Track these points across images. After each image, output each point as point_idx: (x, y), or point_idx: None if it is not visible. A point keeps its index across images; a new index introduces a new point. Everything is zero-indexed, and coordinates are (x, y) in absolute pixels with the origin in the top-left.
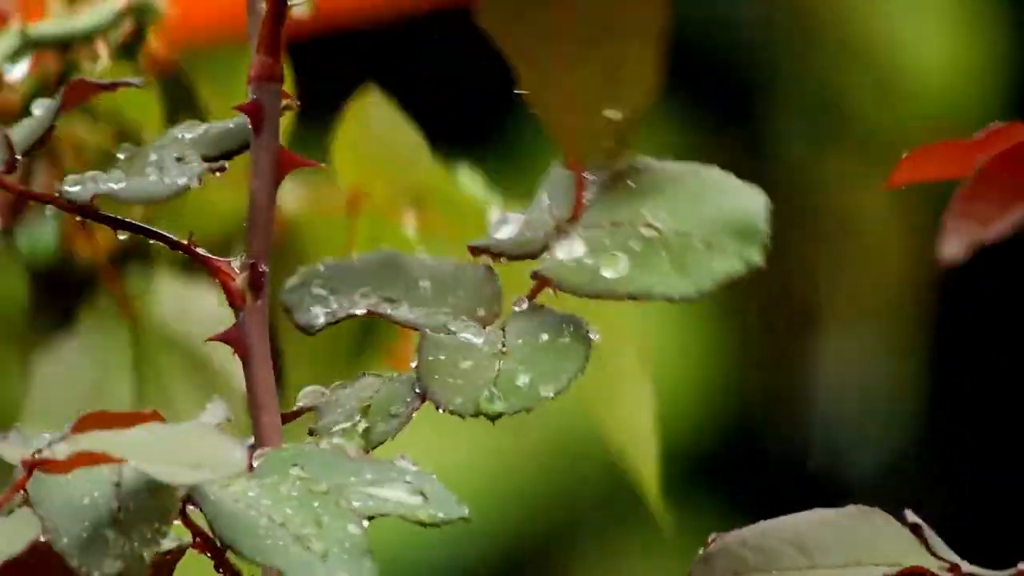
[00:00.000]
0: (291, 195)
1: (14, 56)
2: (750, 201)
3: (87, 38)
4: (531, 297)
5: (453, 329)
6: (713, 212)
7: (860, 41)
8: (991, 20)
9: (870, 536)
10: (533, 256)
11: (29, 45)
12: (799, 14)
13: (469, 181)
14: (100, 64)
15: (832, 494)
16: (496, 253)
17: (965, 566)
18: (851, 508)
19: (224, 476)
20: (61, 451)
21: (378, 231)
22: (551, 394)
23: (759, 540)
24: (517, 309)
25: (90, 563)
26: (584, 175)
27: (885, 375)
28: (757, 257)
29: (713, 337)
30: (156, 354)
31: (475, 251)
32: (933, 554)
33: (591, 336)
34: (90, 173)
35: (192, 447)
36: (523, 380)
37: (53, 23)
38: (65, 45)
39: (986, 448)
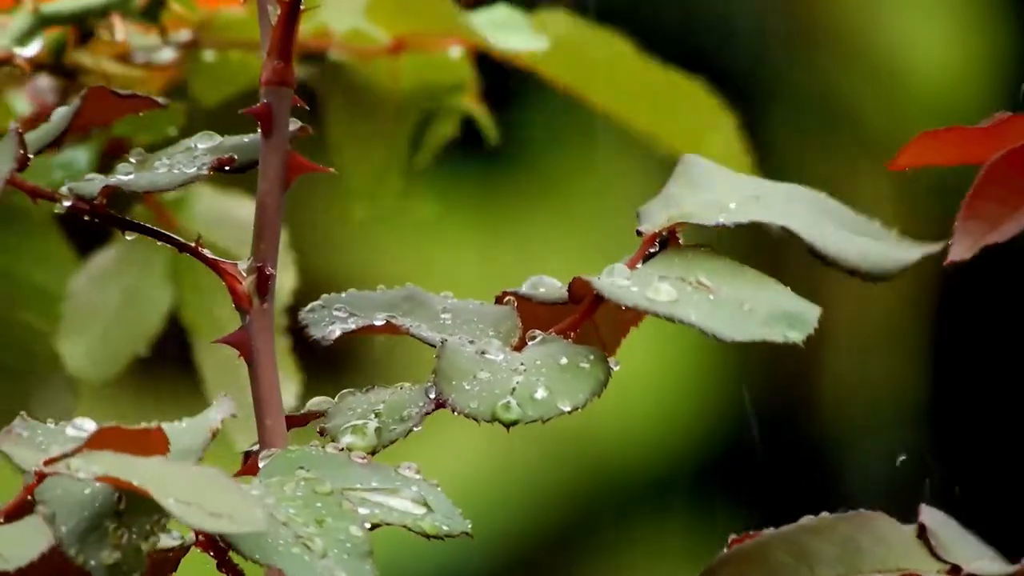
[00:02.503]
0: (333, 50)
1: (28, 35)
2: (805, 305)
3: (103, 13)
4: (571, 328)
5: (472, 348)
6: (769, 299)
7: (860, 41)
8: (991, 20)
9: (870, 542)
10: (559, 300)
11: (42, 23)
12: (799, 15)
13: (507, 16)
14: (118, 36)
15: (837, 497)
16: (523, 297)
17: (967, 567)
18: (853, 513)
19: (244, 530)
20: (79, 467)
21: (423, 64)
22: (568, 409)
23: (761, 552)
24: (536, 339)
25: (88, 552)
26: (648, 247)
27: (888, 378)
28: (797, 337)
29: (719, 343)
30: (193, 261)
31: (501, 297)
32: (936, 556)
33: (611, 365)
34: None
35: (212, 493)
36: (541, 393)
37: (67, 0)
38: (80, 21)
39: (989, 452)
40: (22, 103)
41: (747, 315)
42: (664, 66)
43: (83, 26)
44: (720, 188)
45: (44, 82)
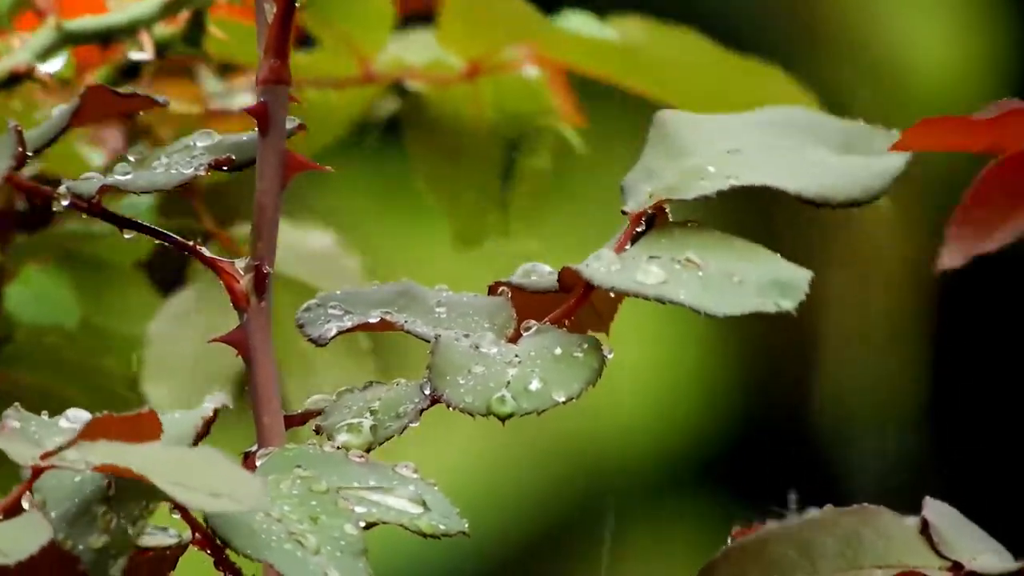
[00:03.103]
0: (409, 81)
1: (49, 52)
2: (795, 270)
3: (130, 31)
4: (565, 316)
5: (467, 341)
6: (759, 268)
7: (860, 41)
8: (991, 20)
9: (872, 537)
10: (552, 289)
11: (65, 40)
12: (800, 14)
13: (581, 22)
14: (146, 55)
15: (837, 494)
16: (516, 286)
17: (969, 564)
18: (855, 507)
19: (246, 507)
20: (76, 459)
21: (504, 88)
22: (562, 399)
23: (761, 548)
24: (529, 331)
25: (76, 536)
26: (635, 227)
27: (887, 375)
28: (790, 305)
29: (718, 339)
30: (277, 299)
31: (495, 287)
32: (938, 553)
33: (605, 353)
34: (91, 172)
35: (210, 473)
36: (536, 385)
37: (91, 17)
38: (106, 39)
39: (988, 451)
40: (97, 156)
41: (737, 287)
42: (740, 55)
43: (109, 49)
44: (697, 147)
45: (112, 132)
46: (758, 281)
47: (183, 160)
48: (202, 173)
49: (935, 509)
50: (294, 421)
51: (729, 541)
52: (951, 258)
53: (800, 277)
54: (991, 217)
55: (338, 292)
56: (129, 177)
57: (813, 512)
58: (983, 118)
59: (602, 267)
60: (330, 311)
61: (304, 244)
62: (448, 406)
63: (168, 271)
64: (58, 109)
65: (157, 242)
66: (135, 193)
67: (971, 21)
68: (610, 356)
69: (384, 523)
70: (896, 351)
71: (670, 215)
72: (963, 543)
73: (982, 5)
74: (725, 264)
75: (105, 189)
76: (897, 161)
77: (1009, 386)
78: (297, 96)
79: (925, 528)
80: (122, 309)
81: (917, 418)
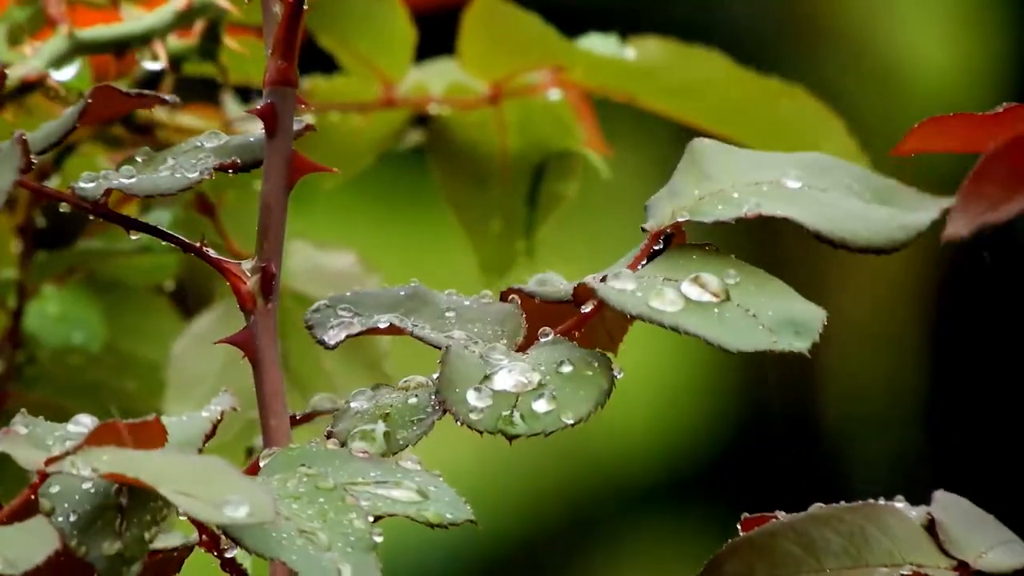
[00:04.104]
0: (433, 104)
1: (63, 60)
2: (809, 308)
3: (144, 41)
4: (576, 328)
5: (476, 349)
6: (774, 304)
7: (860, 41)
8: (991, 20)
9: (878, 534)
10: (564, 299)
11: (79, 49)
12: (799, 15)
13: (603, 43)
14: (160, 65)
15: (838, 495)
16: (528, 294)
17: (975, 563)
18: (861, 504)
19: (253, 519)
20: (81, 465)
21: (527, 109)
22: (571, 422)
23: (768, 542)
24: (543, 340)
25: (89, 543)
26: (652, 245)
27: (887, 375)
28: (802, 346)
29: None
30: (294, 314)
31: (506, 294)
32: (944, 551)
33: (615, 373)
34: (103, 171)
35: (217, 483)
36: (545, 406)
37: (104, 27)
38: (119, 49)
39: (988, 451)
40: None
41: (752, 322)
42: (762, 76)
43: (120, 53)
44: (725, 175)
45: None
46: (773, 317)
47: (189, 162)
48: (207, 177)
49: (944, 503)
50: (300, 421)
51: (739, 527)
52: (957, 227)
53: (814, 317)
54: (998, 192)
55: (347, 293)
56: (133, 181)
57: (819, 508)
58: (985, 116)
59: (617, 287)
60: (340, 312)
61: (327, 264)
62: (457, 421)
63: (194, 298)
64: (67, 111)
65: (182, 268)
66: (139, 197)
67: (971, 21)
68: (620, 376)
69: (391, 515)
70: (896, 351)
71: (688, 237)
72: (972, 539)
73: (981, 6)
74: (740, 295)
75: (110, 192)
76: (925, 218)
77: (1009, 384)
78: (321, 120)
79: (932, 525)
80: (147, 333)
81: (918, 418)
